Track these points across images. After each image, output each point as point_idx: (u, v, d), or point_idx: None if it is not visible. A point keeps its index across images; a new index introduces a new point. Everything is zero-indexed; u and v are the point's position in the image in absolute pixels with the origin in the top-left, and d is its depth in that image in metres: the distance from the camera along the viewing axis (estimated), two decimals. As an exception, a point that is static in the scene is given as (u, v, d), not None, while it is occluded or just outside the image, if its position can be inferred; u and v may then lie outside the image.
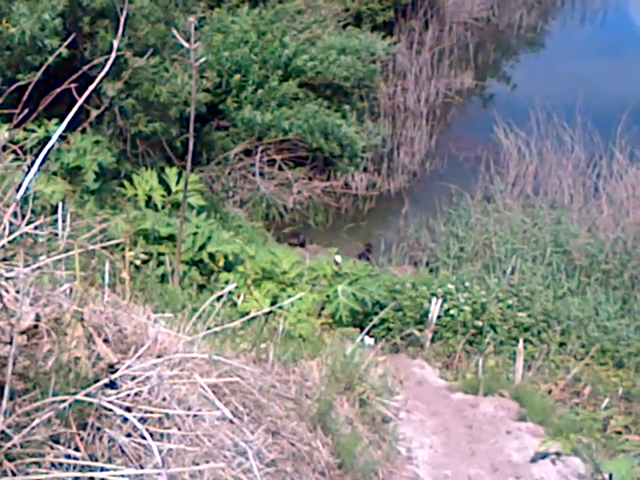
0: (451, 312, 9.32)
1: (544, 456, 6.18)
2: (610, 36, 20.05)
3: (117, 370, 3.53)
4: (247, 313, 8.45)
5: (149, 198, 9.88)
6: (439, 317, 9.29)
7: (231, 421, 4.12)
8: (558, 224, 11.86)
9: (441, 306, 9.30)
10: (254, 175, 13.49)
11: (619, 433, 7.06)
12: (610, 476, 5.75)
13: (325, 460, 4.73)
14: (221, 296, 7.68)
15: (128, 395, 3.51)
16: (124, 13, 6.46)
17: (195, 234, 9.24)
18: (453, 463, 5.95)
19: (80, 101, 4.45)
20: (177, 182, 9.97)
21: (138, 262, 7.31)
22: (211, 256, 9.18)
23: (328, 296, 9.23)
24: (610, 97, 15.54)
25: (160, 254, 8.80)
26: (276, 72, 13.61)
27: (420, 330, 9.28)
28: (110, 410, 3.33)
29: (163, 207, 9.80)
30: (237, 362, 5.02)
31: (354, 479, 4.89)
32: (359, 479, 4.91)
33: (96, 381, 3.35)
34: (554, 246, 11.26)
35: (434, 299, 9.30)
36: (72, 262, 4.21)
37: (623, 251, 11.28)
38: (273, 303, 8.59)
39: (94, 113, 6.86)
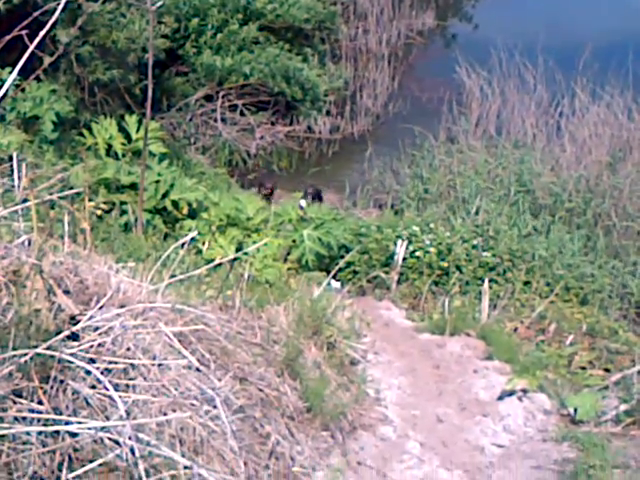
0: (417, 254, 9.32)
1: (511, 393, 6.25)
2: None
3: (79, 321, 3.48)
4: (212, 260, 8.42)
5: (109, 147, 9.72)
6: (405, 259, 9.30)
7: (197, 369, 4.09)
8: (522, 163, 11.86)
9: (406, 248, 9.30)
10: (216, 121, 13.32)
11: (583, 369, 7.16)
12: (575, 410, 5.84)
13: (294, 404, 4.73)
14: (184, 243, 7.60)
15: (91, 346, 3.46)
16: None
17: (157, 182, 9.14)
18: (421, 403, 5.99)
19: (31, 47, 4.32)
20: (137, 130, 9.81)
21: (99, 212, 7.21)
22: (174, 204, 9.09)
23: (294, 241, 9.21)
24: (571, 35, 15.47)
25: (122, 203, 8.70)
26: (236, 15, 13.35)
27: (386, 272, 9.29)
28: (73, 362, 3.28)
29: (124, 155, 9.65)
30: (202, 309, 4.98)
31: (323, 422, 4.90)
32: (328, 422, 4.93)
33: (58, 333, 3.30)
34: (518, 185, 11.28)
35: (399, 241, 9.30)
36: (30, 213, 4.12)
37: (586, 189, 11.34)
38: (238, 249, 8.53)
39: (47, 60, 6.69)
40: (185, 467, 3.57)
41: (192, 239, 8.68)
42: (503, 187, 11.26)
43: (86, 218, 4.49)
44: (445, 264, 9.28)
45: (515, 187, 11.18)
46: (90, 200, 7.73)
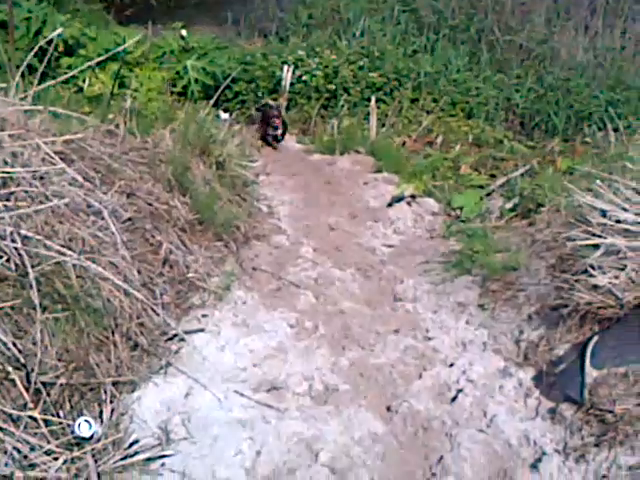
0: (303, 78, 9.26)
1: (400, 199, 6.43)
2: None
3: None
4: (95, 96, 8.19)
5: (-30, -16, 9.14)
6: (292, 84, 9.23)
7: (81, 184, 4.05)
8: (404, -18, 11.71)
9: (293, 73, 9.22)
10: (85, -45, 12.59)
11: (469, 175, 7.37)
12: (461, 209, 6.06)
13: (185, 217, 4.77)
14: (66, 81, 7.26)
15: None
16: None
17: (28, 19, 8.69)
18: (313, 214, 6.11)
19: None
20: (0, -35, 9.23)
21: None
22: (49, 42, 8.68)
23: (177, 72, 8.99)
24: None
25: (-7, 43, 8.27)
26: None
27: (274, 99, 9.22)
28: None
29: (-12, -7, 9.11)
30: (84, 134, 4.88)
31: (216, 233, 4.97)
32: (221, 233, 5.00)
33: None
34: (402, 5, 11.15)
35: (285, 67, 9.20)
36: None
37: (468, 5, 11.30)
38: (121, 84, 8.30)
39: None
40: (77, 276, 3.60)
41: (72, 77, 8.40)
42: (387, 7, 11.12)
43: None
44: (332, 87, 9.25)
45: (399, 6, 11.05)
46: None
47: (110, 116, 5.64)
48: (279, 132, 8.22)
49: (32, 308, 3.29)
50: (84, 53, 8.71)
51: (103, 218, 3.90)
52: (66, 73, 8.38)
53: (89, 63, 6.75)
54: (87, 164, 4.36)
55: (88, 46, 8.89)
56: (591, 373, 3.47)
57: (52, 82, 4.46)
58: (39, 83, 8.12)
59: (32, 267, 3.32)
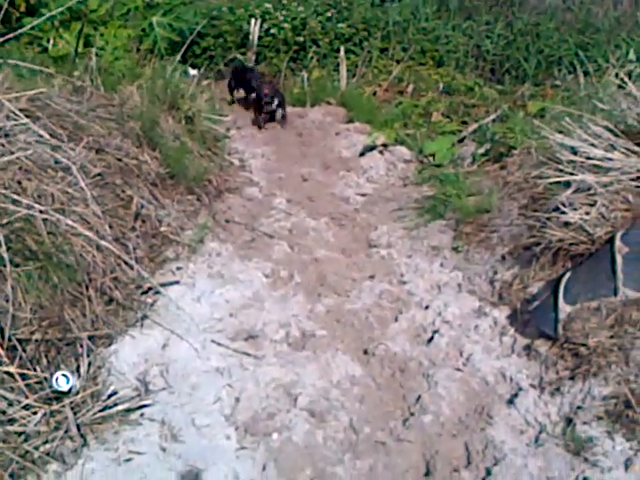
0: (271, 31, 9.17)
1: (372, 148, 6.42)
2: None
3: None
4: (60, 56, 8.06)
5: None
6: (260, 38, 9.14)
7: (48, 140, 4.00)
8: None
9: (261, 27, 9.13)
10: None
11: (440, 122, 7.35)
12: (433, 156, 6.06)
13: (155, 172, 4.73)
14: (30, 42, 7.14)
15: None
16: None
17: (-13, -21, 8.50)
18: (285, 166, 6.09)
19: None
20: None
21: None
22: (10, 2, 8.52)
23: (143, 29, 8.86)
24: None
25: (-50, 8, 8.09)
26: None
27: (243, 54, 9.14)
28: None
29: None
30: (48, 90, 4.81)
31: (187, 187, 4.94)
32: (193, 187, 4.97)
33: None
34: (368, -47, 11.05)
35: (253, 20, 9.10)
36: None
37: (435, -48, 11.21)
38: (86, 43, 8.17)
39: None
40: (48, 233, 3.57)
41: (36, 37, 8.25)
42: (353, -44, 11.01)
43: None
44: (301, 39, 9.17)
45: (365, -45, 10.95)
46: None
47: (76, 73, 5.57)
48: (275, 107, 7.25)
49: (3, 265, 3.26)
50: (46, 12, 8.55)
51: (72, 174, 3.86)
52: (30, 34, 8.34)
53: (48, 15, 6.60)
54: (53, 121, 4.30)
55: (50, 4, 8.71)
56: (564, 309, 3.50)
57: (10, 35, 4.34)
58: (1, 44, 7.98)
59: (1, 224, 3.29)
